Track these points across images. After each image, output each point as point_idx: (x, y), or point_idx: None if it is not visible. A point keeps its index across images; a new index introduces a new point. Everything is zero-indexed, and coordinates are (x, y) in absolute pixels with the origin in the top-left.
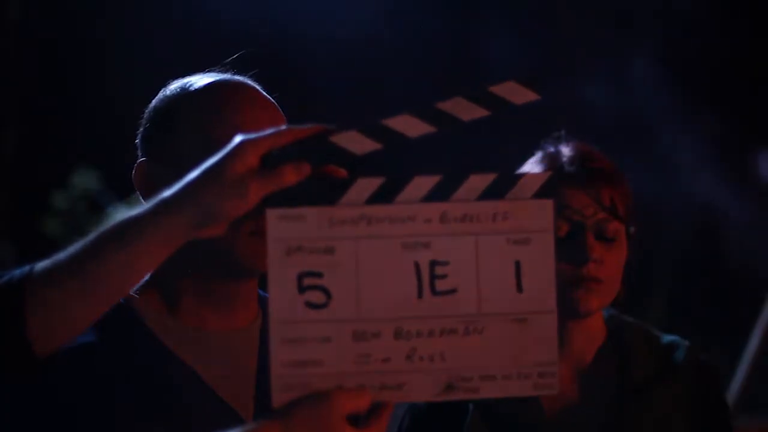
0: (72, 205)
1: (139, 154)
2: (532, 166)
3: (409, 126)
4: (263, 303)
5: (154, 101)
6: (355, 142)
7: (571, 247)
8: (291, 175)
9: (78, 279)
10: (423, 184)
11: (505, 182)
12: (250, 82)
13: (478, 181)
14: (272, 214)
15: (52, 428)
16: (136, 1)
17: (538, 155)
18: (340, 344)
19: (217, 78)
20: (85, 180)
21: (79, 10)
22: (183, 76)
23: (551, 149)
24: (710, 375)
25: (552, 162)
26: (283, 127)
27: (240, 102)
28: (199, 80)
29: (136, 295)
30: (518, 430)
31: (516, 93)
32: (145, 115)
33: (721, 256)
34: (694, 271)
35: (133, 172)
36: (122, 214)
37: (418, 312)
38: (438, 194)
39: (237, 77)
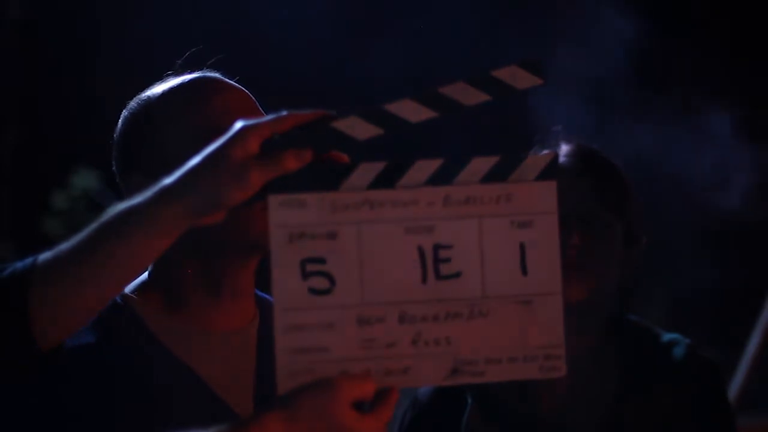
0: (72, 205)
1: (120, 177)
2: None
3: (411, 111)
4: (261, 303)
5: (120, 123)
6: (357, 128)
7: None
8: (292, 162)
9: (81, 270)
10: (425, 167)
11: (508, 164)
12: (211, 73)
13: (481, 164)
14: (274, 201)
15: (50, 428)
16: (136, 2)
17: (535, 150)
18: (344, 330)
19: (181, 78)
20: (85, 180)
21: (79, 10)
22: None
23: (548, 145)
24: (711, 372)
25: None
26: (284, 112)
27: (212, 91)
28: (160, 86)
29: (134, 296)
30: (517, 426)
31: (519, 77)
32: (117, 139)
33: (722, 254)
34: (694, 270)
35: (124, 192)
36: (123, 203)
37: (422, 296)
38: (441, 177)
39: (197, 74)
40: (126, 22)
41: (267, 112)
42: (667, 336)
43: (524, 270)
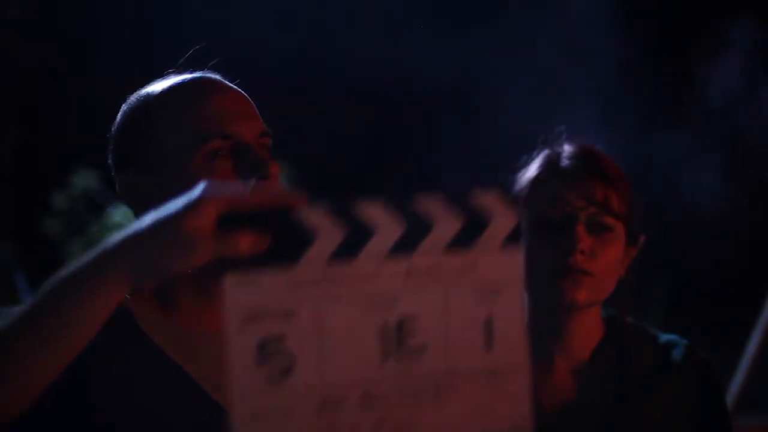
0: (72, 205)
1: (115, 171)
2: (532, 161)
3: (383, 221)
4: None
5: (119, 117)
6: (323, 225)
7: (560, 236)
8: (246, 246)
9: (22, 347)
10: (386, 237)
11: (471, 232)
12: (211, 74)
13: (444, 233)
14: (229, 280)
15: (42, 428)
16: (136, 2)
17: (538, 151)
18: (304, 415)
19: (180, 78)
20: (85, 180)
21: (79, 10)
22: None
23: (551, 146)
24: (708, 373)
25: (550, 158)
26: (252, 183)
27: (208, 93)
28: (160, 84)
29: (129, 296)
30: None
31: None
32: (114, 133)
33: (722, 254)
34: (694, 271)
35: (117, 189)
36: (64, 269)
37: (386, 373)
38: (403, 247)
39: (198, 74)
40: (126, 22)
41: (263, 115)
42: (665, 337)
43: (490, 342)
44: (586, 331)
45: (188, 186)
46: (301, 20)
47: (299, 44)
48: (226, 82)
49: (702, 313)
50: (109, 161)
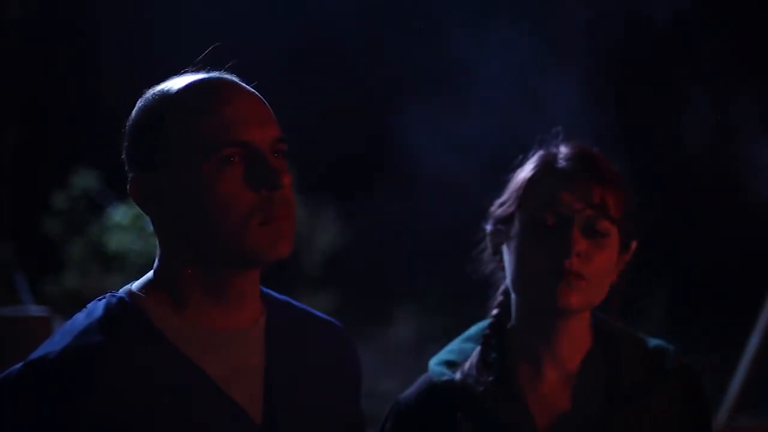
0: (72, 205)
1: (127, 168)
2: (527, 161)
3: None
4: (267, 300)
5: (134, 113)
6: None
7: (555, 238)
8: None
9: None
10: None
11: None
12: (229, 76)
13: None
14: None
15: (61, 428)
16: (136, 2)
17: (536, 152)
18: None
19: (197, 77)
20: (85, 180)
21: (79, 10)
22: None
23: (549, 146)
24: (697, 379)
25: (547, 158)
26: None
27: (224, 97)
28: (177, 83)
29: (143, 294)
30: None
31: None
32: (128, 129)
33: (721, 254)
34: (694, 271)
35: (129, 187)
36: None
37: None
38: None
39: (215, 74)
40: (126, 22)
41: (279, 117)
42: (653, 342)
43: None
44: (576, 338)
45: (199, 190)
46: (301, 20)
47: (300, 44)
48: (243, 85)
49: (702, 313)
50: (122, 157)
